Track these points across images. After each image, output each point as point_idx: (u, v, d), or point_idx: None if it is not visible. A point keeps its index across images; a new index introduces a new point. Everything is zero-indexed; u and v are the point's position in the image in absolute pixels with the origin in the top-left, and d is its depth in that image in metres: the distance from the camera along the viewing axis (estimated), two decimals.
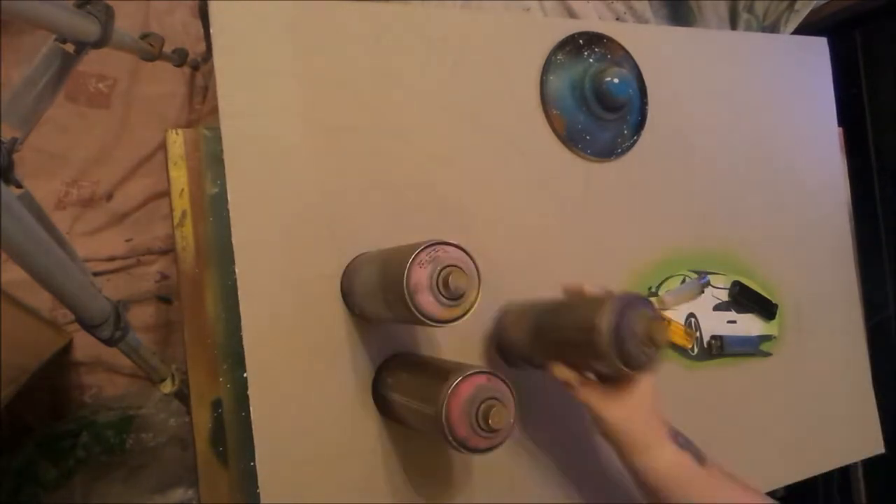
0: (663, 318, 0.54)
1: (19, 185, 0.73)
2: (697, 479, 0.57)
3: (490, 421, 0.50)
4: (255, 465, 0.57)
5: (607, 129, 0.79)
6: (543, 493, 0.70)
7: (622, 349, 0.52)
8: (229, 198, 0.59)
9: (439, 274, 0.48)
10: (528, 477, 0.70)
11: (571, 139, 0.77)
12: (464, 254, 0.50)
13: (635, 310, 0.53)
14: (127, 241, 1.42)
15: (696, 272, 0.84)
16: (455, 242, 0.50)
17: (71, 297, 0.76)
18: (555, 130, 0.76)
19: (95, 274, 1.37)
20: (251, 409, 0.58)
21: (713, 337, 0.84)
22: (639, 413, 0.57)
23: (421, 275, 0.48)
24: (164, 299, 1.44)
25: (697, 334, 0.83)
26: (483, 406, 0.50)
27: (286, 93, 0.63)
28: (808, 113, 0.97)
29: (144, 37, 1.11)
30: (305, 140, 0.63)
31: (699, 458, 0.58)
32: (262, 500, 0.57)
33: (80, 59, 0.82)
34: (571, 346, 0.57)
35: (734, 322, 0.86)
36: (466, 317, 0.50)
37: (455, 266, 0.48)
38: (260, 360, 0.59)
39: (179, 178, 0.67)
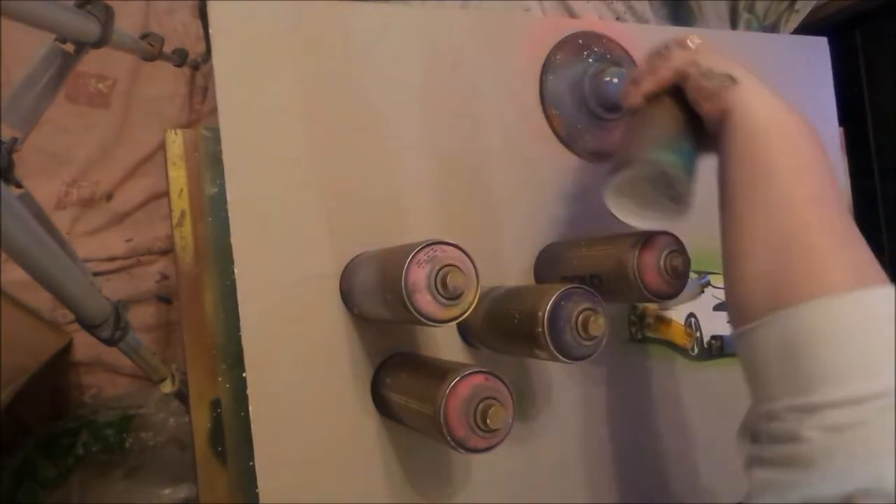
0: (601, 311, 0.55)
1: (19, 185, 0.74)
2: None
3: (488, 421, 0.50)
4: (254, 465, 0.57)
5: (607, 129, 0.79)
6: (543, 493, 0.70)
7: (558, 339, 0.53)
8: (228, 198, 0.59)
9: (437, 273, 0.48)
10: (528, 477, 0.70)
11: (571, 139, 0.76)
12: (462, 253, 0.50)
13: (574, 301, 0.54)
14: (127, 241, 1.43)
15: (696, 272, 0.84)
16: (453, 242, 0.50)
17: (71, 297, 0.77)
18: (554, 130, 0.76)
19: (95, 274, 1.37)
20: (250, 409, 0.58)
21: (713, 337, 0.84)
22: None
23: (419, 274, 0.48)
24: (164, 299, 1.44)
25: (697, 334, 0.83)
26: (481, 406, 0.50)
27: (286, 93, 0.63)
28: (809, 112, 0.94)
29: (144, 37, 1.11)
30: (305, 140, 0.63)
31: None
32: (261, 500, 0.57)
33: (79, 59, 0.83)
34: (515, 334, 0.58)
35: None
36: (465, 316, 0.49)
37: (453, 265, 0.48)
38: (259, 360, 0.59)
39: (179, 178, 0.68)
